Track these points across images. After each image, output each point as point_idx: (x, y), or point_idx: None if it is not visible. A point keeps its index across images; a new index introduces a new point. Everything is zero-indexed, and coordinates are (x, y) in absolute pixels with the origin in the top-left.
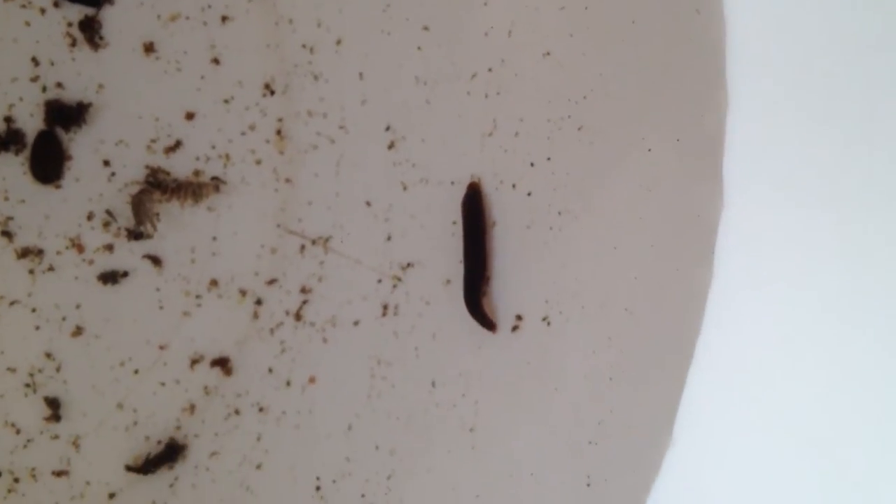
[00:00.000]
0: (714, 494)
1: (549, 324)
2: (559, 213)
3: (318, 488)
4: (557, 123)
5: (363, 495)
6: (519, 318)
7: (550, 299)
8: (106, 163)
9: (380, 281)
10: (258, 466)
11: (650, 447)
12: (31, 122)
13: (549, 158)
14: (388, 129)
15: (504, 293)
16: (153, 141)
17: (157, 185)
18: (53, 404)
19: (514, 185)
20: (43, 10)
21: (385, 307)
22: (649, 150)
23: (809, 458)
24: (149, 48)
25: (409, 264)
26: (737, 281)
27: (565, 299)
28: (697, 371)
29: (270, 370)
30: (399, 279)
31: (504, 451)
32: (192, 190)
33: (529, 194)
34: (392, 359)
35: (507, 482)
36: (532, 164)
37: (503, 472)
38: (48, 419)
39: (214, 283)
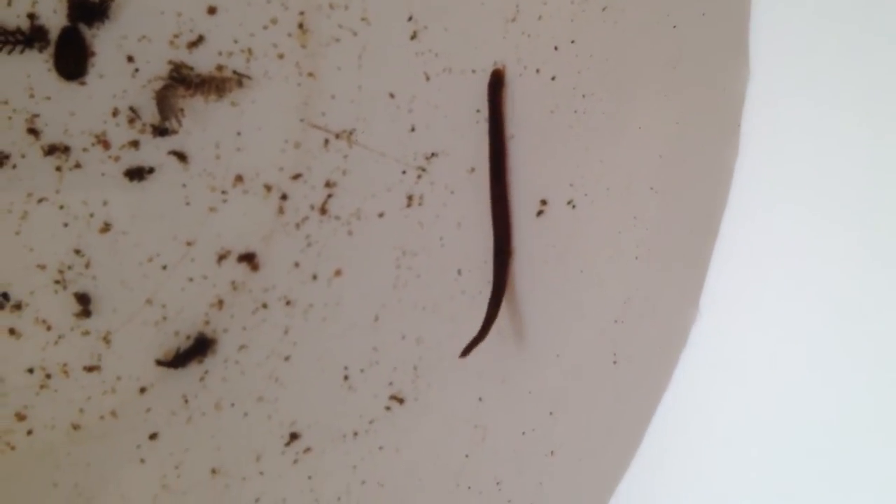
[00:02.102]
0: (742, 364)
1: (573, 207)
2: (583, 97)
3: (345, 378)
4: (581, 5)
5: (391, 383)
6: (543, 202)
7: (575, 182)
8: (129, 59)
9: (404, 172)
10: (286, 359)
11: (676, 322)
12: (55, 19)
13: (573, 41)
14: (410, 19)
15: (528, 179)
16: (176, 36)
17: (181, 81)
18: (83, 300)
19: (537, 70)
20: None
21: (410, 198)
22: (674, 26)
23: (837, 325)
24: None
25: (432, 154)
26: (763, 157)
27: (590, 182)
28: (723, 246)
29: (297, 264)
30: (423, 170)
31: (529, 333)
32: (216, 85)
33: (553, 79)
34: (417, 249)
35: (533, 364)
36: (556, 48)
37: (528, 355)
38: (78, 315)
39: (240, 178)
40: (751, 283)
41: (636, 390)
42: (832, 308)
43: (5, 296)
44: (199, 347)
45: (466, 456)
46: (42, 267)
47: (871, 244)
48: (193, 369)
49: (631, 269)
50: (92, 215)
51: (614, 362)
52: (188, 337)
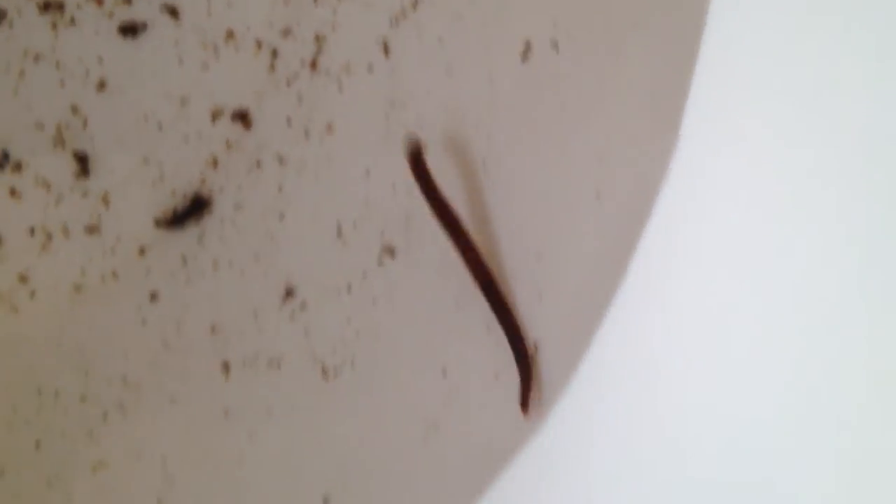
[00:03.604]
0: (724, 189)
1: (557, 50)
2: None
3: (339, 233)
4: None
5: (383, 234)
6: (528, 44)
7: (558, 21)
8: None
9: (392, 22)
10: (281, 216)
11: (657, 152)
12: None
13: None
14: None
15: (510, 17)
16: None
17: None
18: (82, 160)
19: None
20: None
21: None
22: None
23: (822, 150)
24: None
25: (417, 1)
26: None
27: (573, 19)
28: (703, 71)
29: (289, 121)
30: (409, 16)
31: (516, 175)
32: None
33: None
34: (407, 99)
35: (520, 207)
36: None
37: (515, 199)
38: (77, 175)
39: (231, 34)
40: (731, 108)
41: (620, 223)
42: (816, 134)
43: (5, 155)
44: (196, 207)
45: (458, 303)
46: (40, 126)
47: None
48: (191, 229)
49: (614, 108)
50: (88, 73)
51: (597, 198)
52: (185, 196)
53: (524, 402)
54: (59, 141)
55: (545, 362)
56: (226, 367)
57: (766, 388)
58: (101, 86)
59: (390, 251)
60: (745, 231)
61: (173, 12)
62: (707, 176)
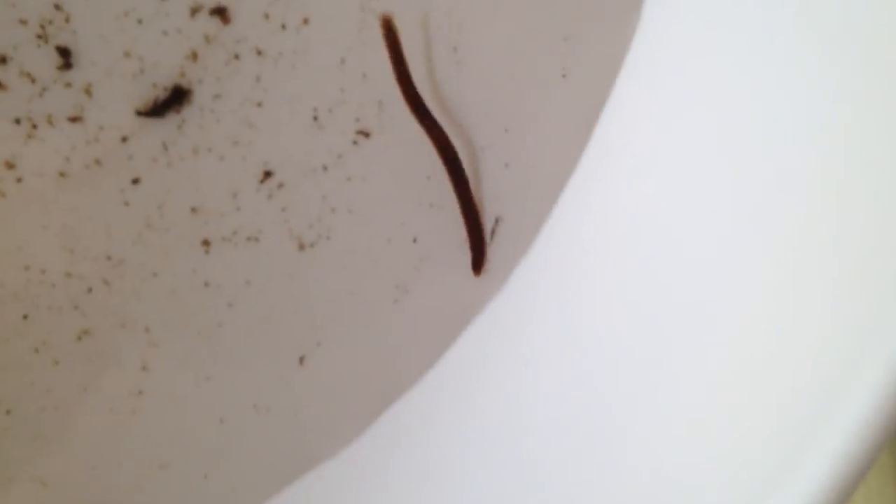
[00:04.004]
0: (681, 66)
1: None
2: None
3: (315, 118)
4: None
5: (357, 119)
6: None
7: None
8: None
9: None
10: (259, 104)
11: (620, 30)
12: None
13: None
14: None
15: None
16: None
17: None
18: (65, 53)
19: None
20: None
21: None
22: None
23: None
24: None
25: None
26: None
27: None
28: None
29: (266, 16)
30: None
31: (486, 58)
32: None
33: None
34: None
35: (489, 87)
36: None
37: (484, 79)
38: (61, 68)
39: None
40: None
41: (583, 98)
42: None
43: None
44: (176, 97)
45: (428, 177)
46: (24, 22)
47: None
48: (171, 118)
49: None
50: None
51: (563, 76)
52: (165, 88)
53: (476, 265)
54: (43, 36)
55: (509, 227)
56: (206, 243)
57: (723, 255)
58: None
59: (365, 133)
60: (703, 105)
61: None
62: (666, 53)
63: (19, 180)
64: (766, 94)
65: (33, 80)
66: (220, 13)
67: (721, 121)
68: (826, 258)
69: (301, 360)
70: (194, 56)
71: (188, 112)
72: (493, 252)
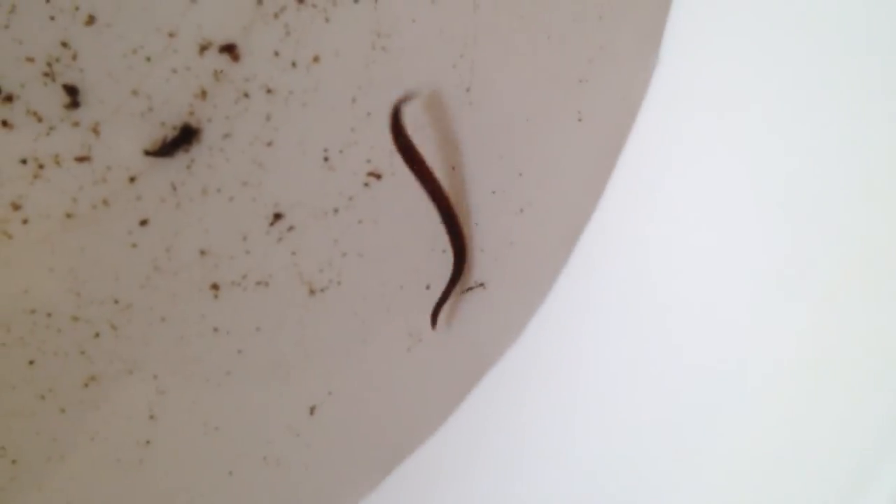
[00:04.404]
0: (700, 108)
1: None
2: None
3: (325, 159)
4: None
5: (368, 161)
6: None
7: None
8: None
9: None
10: (269, 144)
11: (638, 73)
12: None
13: None
14: None
15: None
16: None
17: None
18: (72, 92)
19: None
20: None
21: None
22: None
23: (796, 69)
24: None
25: None
26: None
27: None
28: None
29: (276, 53)
30: None
31: (499, 100)
32: None
33: None
34: (390, 30)
35: (503, 129)
36: None
37: (498, 121)
38: (68, 106)
39: None
40: (710, 30)
41: (600, 143)
42: (794, 54)
43: None
44: (185, 137)
45: (441, 223)
46: (31, 60)
47: None
48: (180, 158)
49: (594, 28)
50: (77, 8)
51: (579, 119)
52: (174, 127)
53: (434, 316)
54: (50, 74)
55: (525, 275)
56: (215, 287)
57: (745, 298)
58: (91, 20)
59: (376, 175)
60: (722, 149)
61: None
62: (686, 96)
63: (25, 222)
64: (792, 139)
65: (40, 119)
66: (230, 50)
67: (746, 166)
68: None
69: (312, 410)
70: (203, 94)
71: (197, 151)
72: (512, 300)
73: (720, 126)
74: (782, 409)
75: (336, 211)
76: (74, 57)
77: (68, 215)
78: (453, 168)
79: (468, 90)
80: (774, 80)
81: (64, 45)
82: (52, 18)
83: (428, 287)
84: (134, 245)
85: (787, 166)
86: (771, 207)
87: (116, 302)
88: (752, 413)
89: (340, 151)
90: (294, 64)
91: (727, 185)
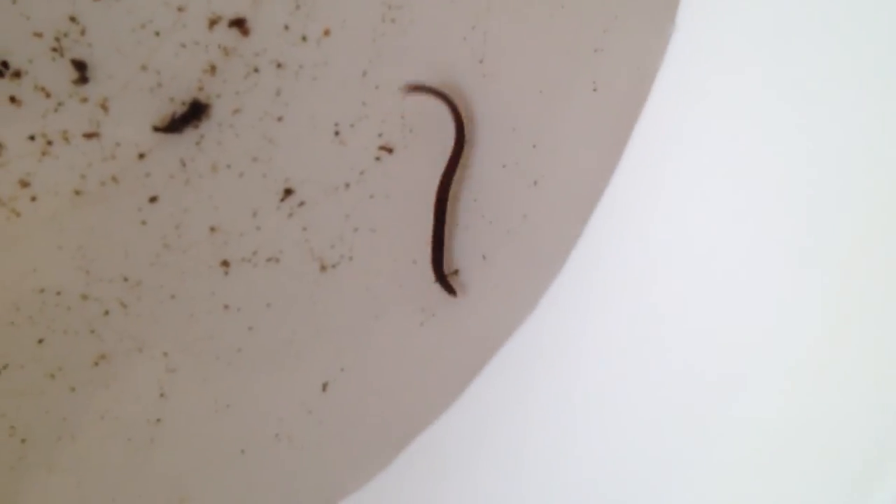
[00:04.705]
0: (717, 77)
1: None
2: None
3: (336, 133)
4: None
5: (380, 134)
6: None
7: None
8: None
9: None
10: (279, 119)
11: (654, 42)
12: None
13: None
14: None
15: None
16: None
17: None
18: (80, 67)
19: None
20: None
21: None
22: None
23: (812, 42)
24: None
25: None
26: None
27: None
28: None
29: (286, 27)
30: None
31: (512, 72)
32: None
33: None
34: (401, 2)
35: (517, 101)
36: None
37: (513, 93)
38: (76, 82)
39: None
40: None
41: (615, 114)
42: (810, 24)
43: (5, 64)
44: (194, 112)
45: (454, 194)
46: (39, 35)
47: None
48: (189, 134)
49: None
50: None
51: (594, 90)
52: (183, 103)
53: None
54: (58, 49)
55: (539, 248)
56: (225, 264)
57: (763, 272)
58: None
59: (387, 149)
60: (740, 120)
61: None
62: (703, 65)
63: (34, 199)
64: (812, 109)
65: (48, 95)
66: (239, 25)
67: (763, 137)
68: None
69: (324, 386)
70: (213, 69)
71: (206, 127)
72: (525, 274)
73: (738, 95)
74: (799, 395)
75: (347, 186)
76: (83, 32)
77: (77, 192)
78: (466, 140)
79: (481, 62)
80: (793, 48)
81: (72, 19)
82: None
83: None
84: (143, 222)
85: (808, 137)
86: (790, 178)
87: (126, 280)
88: (771, 389)
89: (351, 125)
90: (304, 38)
91: (744, 157)
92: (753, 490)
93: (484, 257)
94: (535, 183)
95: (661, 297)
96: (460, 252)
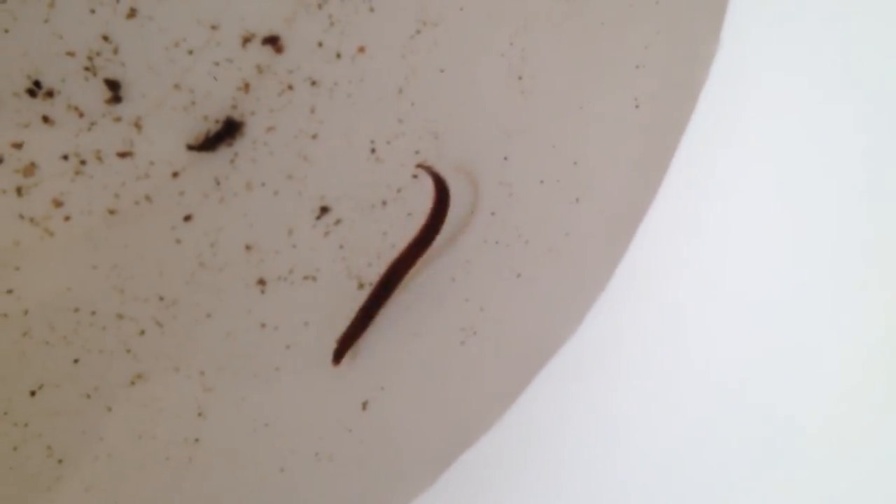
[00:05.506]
0: (763, 93)
1: None
2: None
3: (372, 150)
4: None
5: (416, 151)
6: None
7: None
8: None
9: None
10: (314, 137)
11: (698, 58)
12: None
13: None
14: None
15: None
16: None
17: None
18: (113, 86)
19: None
20: None
21: None
22: None
23: (861, 57)
24: None
25: None
26: None
27: None
28: None
29: (320, 44)
30: None
31: (552, 87)
32: None
33: None
34: (437, 19)
35: (557, 117)
36: None
37: (552, 109)
38: (109, 101)
39: None
40: (772, 12)
41: (658, 130)
42: (855, 41)
43: (37, 84)
44: (228, 130)
45: (492, 214)
46: (72, 54)
47: None
48: (223, 152)
49: (651, 12)
50: (118, 0)
51: (636, 106)
52: (217, 121)
53: (336, 355)
54: (91, 68)
55: (583, 265)
56: (261, 282)
57: (820, 291)
58: (132, 13)
59: (425, 166)
60: (790, 136)
61: None
62: (749, 80)
63: (67, 219)
64: (865, 127)
65: (81, 115)
66: (273, 42)
67: (816, 152)
68: None
69: (364, 405)
70: (246, 87)
71: (241, 145)
72: (568, 293)
73: (786, 110)
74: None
75: (384, 203)
76: (116, 51)
77: (111, 212)
78: (505, 158)
79: (520, 78)
80: (841, 61)
81: (105, 38)
82: (93, 11)
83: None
84: (178, 241)
85: (863, 150)
86: (847, 194)
87: (161, 299)
88: (827, 412)
89: (388, 143)
90: (338, 55)
91: (795, 173)
92: None
93: (519, 275)
94: (577, 200)
95: (711, 317)
96: (489, 270)
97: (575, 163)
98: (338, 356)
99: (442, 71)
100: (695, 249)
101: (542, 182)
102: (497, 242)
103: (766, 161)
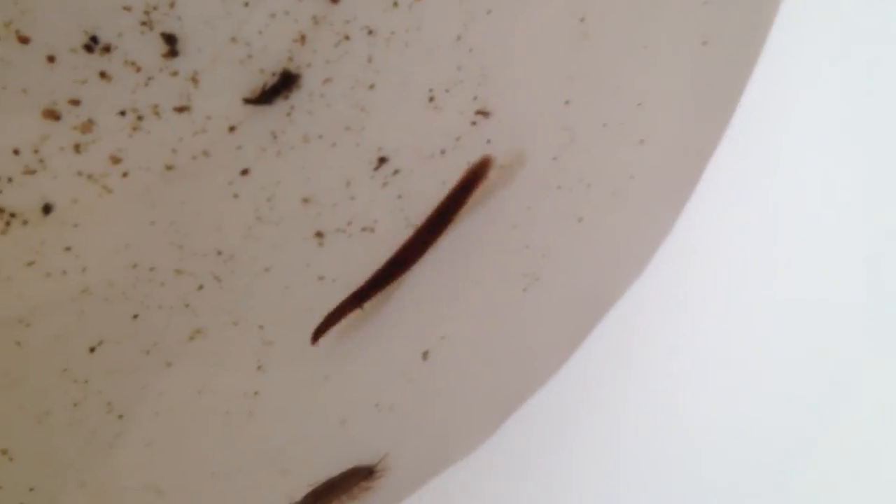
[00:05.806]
0: (840, 27)
1: None
2: None
3: (430, 99)
4: None
5: (475, 98)
6: None
7: None
8: None
9: None
10: (371, 87)
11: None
12: None
13: None
14: None
15: None
16: None
17: None
18: (170, 40)
19: None
20: None
21: None
22: None
23: None
24: None
25: None
26: None
27: None
28: None
29: None
30: None
31: (615, 27)
32: None
33: None
34: None
35: (621, 59)
36: None
37: (615, 51)
38: (166, 56)
39: None
40: None
41: (725, 71)
42: None
43: (94, 39)
44: (285, 83)
45: (554, 159)
46: (128, 8)
47: None
48: (280, 105)
49: None
50: None
51: (704, 43)
52: (273, 74)
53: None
54: (147, 23)
55: (648, 209)
56: (319, 235)
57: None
58: None
59: (484, 113)
60: (866, 77)
61: None
62: (822, 15)
63: (125, 175)
64: None
65: (138, 70)
66: None
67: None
68: None
69: (425, 355)
70: (302, 39)
71: (297, 98)
72: (632, 237)
73: (863, 50)
74: None
75: (443, 152)
76: (172, 5)
77: (168, 167)
78: (567, 102)
79: (582, 20)
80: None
81: None
82: None
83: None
84: (235, 195)
85: None
86: None
87: (219, 253)
88: None
89: (446, 91)
90: (395, 3)
91: (870, 120)
92: None
93: (581, 220)
94: (642, 142)
95: (779, 261)
96: (550, 216)
97: (639, 104)
98: (317, 335)
99: (500, 16)
100: (763, 193)
101: (605, 125)
102: (559, 187)
103: (843, 104)
